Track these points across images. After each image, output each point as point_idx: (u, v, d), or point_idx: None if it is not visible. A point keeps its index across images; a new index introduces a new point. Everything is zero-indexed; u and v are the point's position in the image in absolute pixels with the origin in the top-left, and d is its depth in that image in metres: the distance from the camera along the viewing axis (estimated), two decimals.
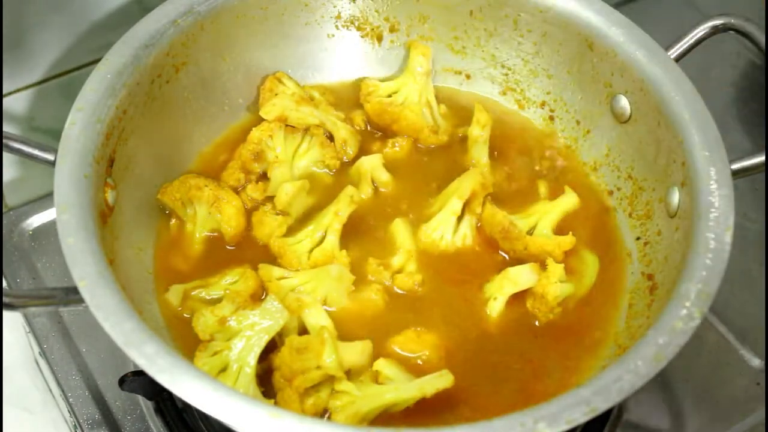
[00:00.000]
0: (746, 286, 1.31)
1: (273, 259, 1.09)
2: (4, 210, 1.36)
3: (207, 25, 1.16)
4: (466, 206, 1.13)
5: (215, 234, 1.13)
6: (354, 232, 1.12)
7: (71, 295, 0.90)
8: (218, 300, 1.03)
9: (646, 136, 1.13)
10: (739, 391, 1.22)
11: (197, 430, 1.13)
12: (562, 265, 1.08)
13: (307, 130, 1.20)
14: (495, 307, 1.07)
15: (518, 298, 1.08)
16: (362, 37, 1.29)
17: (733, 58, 1.61)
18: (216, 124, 1.22)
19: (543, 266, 1.09)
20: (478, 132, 1.21)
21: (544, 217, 1.15)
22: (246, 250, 1.12)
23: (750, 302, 1.30)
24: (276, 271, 1.07)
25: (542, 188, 1.20)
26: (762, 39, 1.09)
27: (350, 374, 0.98)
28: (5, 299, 0.88)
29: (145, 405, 1.16)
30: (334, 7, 1.25)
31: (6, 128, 1.30)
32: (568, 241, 1.12)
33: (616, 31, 1.15)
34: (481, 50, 1.28)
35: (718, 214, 0.98)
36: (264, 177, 1.18)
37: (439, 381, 0.96)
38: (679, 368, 1.21)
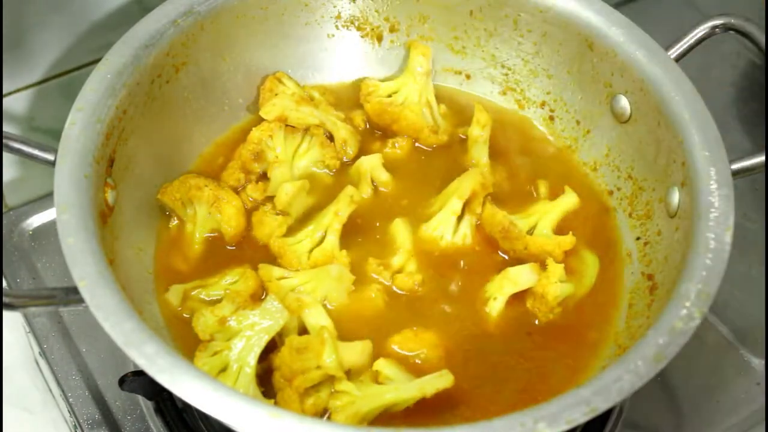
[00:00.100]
0: (746, 286, 1.31)
1: (273, 259, 1.10)
2: (4, 210, 1.36)
3: (207, 25, 1.16)
4: (466, 206, 1.13)
5: (215, 234, 1.13)
6: (354, 232, 1.12)
7: (71, 295, 0.90)
8: (218, 300, 1.03)
9: (646, 136, 1.13)
10: (739, 391, 1.22)
11: (197, 430, 1.13)
12: (562, 265, 1.08)
13: (307, 130, 1.20)
14: (495, 307, 1.07)
15: (518, 297, 1.08)
16: (362, 37, 1.29)
17: (733, 58, 1.61)
18: (216, 124, 1.22)
19: (543, 266, 1.09)
20: (478, 132, 1.21)
21: (544, 217, 1.15)
22: (246, 250, 1.12)
23: (750, 302, 1.30)
24: (276, 271, 1.07)
25: (542, 188, 1.20)
26: (762, 39, 1.09)
27: (350, 374, 0.98)
28: (5, 299, 0.88)
29: (145, 405, 1.16)
30: (334, 7, 1.25)
31: (6, 128, 1.30)
32: (568, 241, 1.12)
33: (616, 31, 1.15)
34: (481, 50, 1.28)
35: (718, 214, 0.98)
36: (264, 177, 1.18)
37: (439, 381, 0.96)
38: (679, 368, 1.21)
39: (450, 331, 1.06)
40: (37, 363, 1.30)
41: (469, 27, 1.26)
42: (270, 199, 1.15)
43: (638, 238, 1.13)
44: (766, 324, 1.27)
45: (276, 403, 0.95)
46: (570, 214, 1.17)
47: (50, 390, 1.28)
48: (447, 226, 1.13)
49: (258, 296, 1.06)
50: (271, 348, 0.99)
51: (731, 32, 1.13)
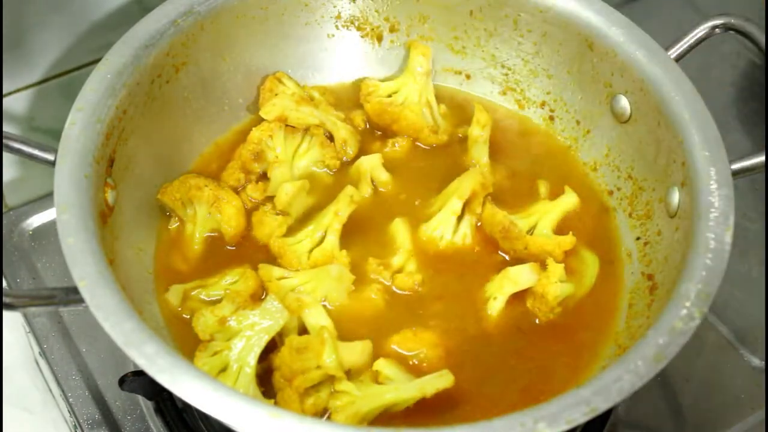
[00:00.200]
0: (746, 286, 1.31)
1: (273, 259, 1.09)
2: (4, 210, 1.36)
3: (207, 25, 1.16)
4: (466, 206, 1.13)
5: (215, 234, 1.13)
6: (354, 232, 1.12)
7: (71, 295, 0.90)
8: (218, 300, 1.03)
9: (646, 136, 1.13)
10: (739, 391, 1.22)
11: (197, 430, 1.13)
12: (562, 264, 1.08)
13: (307, 130, 1.20)
14: (495, 307, 1.07)
15: (518, 297, 1.08)
16: (362, 37, 1.29)
17: (733, 58, 1.61)
18: (216, 124, 1.22)
19: (543, 266, 1.09)
20: (478, 132, 1.21)
21: (544, 217, 1.15)
22: (246, 250, 1.12)
23: (750, 302, 1.30)
24: (276, 271, 1.07)
25: (542, 188, 1.19)
26: (762, 39, 1.09)
27: (350, 374, 0.98)
28: (5, 299, 0.88)
29: (145, 405, 1.16)
30: (334, 7, 1.25)
31: (6, 128, 1.30)
32: (568, 241, 1.12)
33: (616, 31, 1.15)
34: (481, 50, 1.28)
35: (718, 214, 0.98)
36: (264, 177, 1.18)
37: (439, 381, 0.96)
38: (679, 368, 1.21)
39: (450, 331, 1.06)
40: (37, 363, 1.30)
41: (469, 27, 1.26)
42: (270, 199, 1.15)
43: (638, 238, 1.13)
44: (766, 324, 1.27)
45: (276, 403, 0.95)
46: (570, 214, 1.17)
47: (50, 390, 1.28)
48: (447, 226, 1.13)
49: (258, 296, 1.06)
50: (271, 348, 0.99)
51: (731, 32, 1.13)
